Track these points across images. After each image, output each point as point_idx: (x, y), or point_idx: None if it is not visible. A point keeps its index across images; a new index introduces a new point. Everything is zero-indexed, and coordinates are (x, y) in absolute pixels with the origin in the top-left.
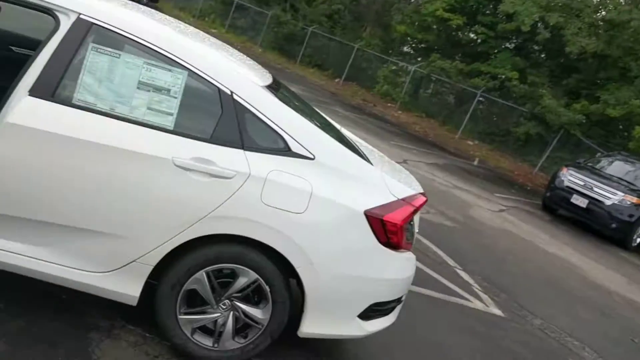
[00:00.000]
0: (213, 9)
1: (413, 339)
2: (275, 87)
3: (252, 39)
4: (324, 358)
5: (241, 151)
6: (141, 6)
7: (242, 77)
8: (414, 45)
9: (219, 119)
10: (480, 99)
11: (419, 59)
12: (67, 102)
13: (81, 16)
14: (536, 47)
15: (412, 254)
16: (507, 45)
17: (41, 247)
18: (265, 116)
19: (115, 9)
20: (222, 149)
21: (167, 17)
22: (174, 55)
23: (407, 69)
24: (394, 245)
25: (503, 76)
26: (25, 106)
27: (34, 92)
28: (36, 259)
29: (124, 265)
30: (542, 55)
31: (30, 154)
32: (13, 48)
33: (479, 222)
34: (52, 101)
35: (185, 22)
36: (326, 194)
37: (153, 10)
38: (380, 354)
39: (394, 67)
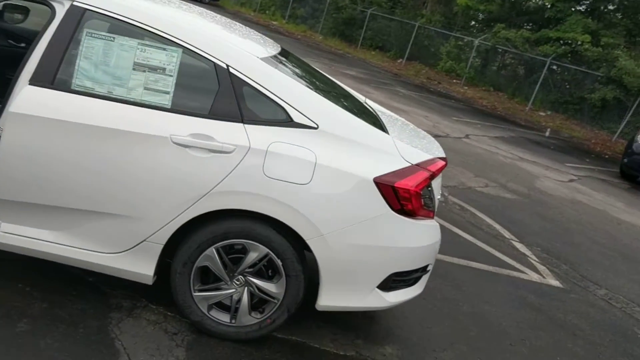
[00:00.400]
0: (272, 2)
1: (457, 313)
2: (279, 59)
3: (312, 27)
4: (355, 332)
5: (240, 125)
6: None
7: (239, 50)
8: (476, 17)
9: (216, 94)
10: (553, 67)
11: (483, 32)
12: (66, 89)
13: (74, 3)
14: (611, 7)
15: (434, 221)
16: (578, 8)
17: (55, 230)
18: (265, 88)
19: None
20: (221, 123)
21: None
22: (167, 34)
23: (471, 43)
24: (409, 213)
25: (574, 41)
26: (26, 95)
27: (34, 81)
28: (52, 242)
29: (135, 245)
30: (618, 15)
31: (35, 141)
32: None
33: (544, 194)
34: (51, 88)
35: (246, 15)
36: (332, 163)
37: None
38: (418, 328)
39: (457, 43)
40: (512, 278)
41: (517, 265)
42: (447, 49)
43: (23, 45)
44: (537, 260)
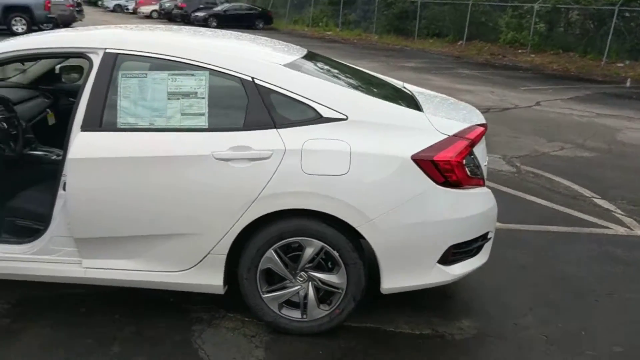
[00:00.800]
0: (324, 13)
1: (535, 278)
2: (303, 61)
3: (366, 29)
4: (429, 311)
5: (274, 130)
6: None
7: (261, 61)
8: None
9: (247, 107)
10: (624, 14)
11: None
12: (113, 128)
13: (106, 50)
14: None
15: (484, 188)
16: None
17: (130, 258)
18: (290, 91)
19: (133, 36)
20: (256, 132)
21: (184, 27)
22: (191, 60)
23: (530, 9)
24: (454, 184)
25: None
26: (79, 141)
27: (85, 127)
28: (129, 270)
29: (202, 260)
30: None
31: (95, 180)
32: None
33: (627, 145)
34: (100, 131)
35: (300, 32)
36: (366, 149)
37: (177, 26)
38: (495, 299)
39: (515, 12)
40: (594, 235)
41: (600, 222)
42: (505, 20)
43: None
44: (622, 213)
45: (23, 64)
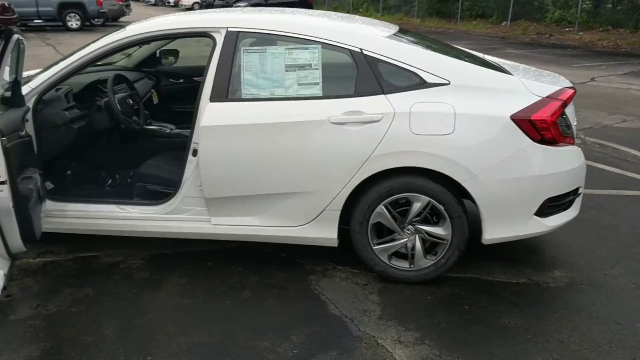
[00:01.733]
0: None
1: (617, 236)
2: (400, 35)
3: (407, 13)
4: (522, 263)
5: (382, 96)
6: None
7: (366, 34)
8: None
9: (357, 75)
10: None
11: None
12: (238, 99)
13: (229, 29)
14: None
15: (575, 146)
16: None
17: (254, 215)
18: (396, 60)
19: (250, 16)
20: (366, 98)
21: (288, 9)
22: (305, 35)
23: None
24: (550, 141)
25: None
26: (209, 111)
27: (213, 98)
28: (253, 226)
29: (318, 215)
30: None
31: (224, 145)
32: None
33: None
34: (227, 101)
35: None
36: (469, 111)
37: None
38: (582, 253)
39: None
40: None
41: None
42: None
43: (181, 81)
44: None
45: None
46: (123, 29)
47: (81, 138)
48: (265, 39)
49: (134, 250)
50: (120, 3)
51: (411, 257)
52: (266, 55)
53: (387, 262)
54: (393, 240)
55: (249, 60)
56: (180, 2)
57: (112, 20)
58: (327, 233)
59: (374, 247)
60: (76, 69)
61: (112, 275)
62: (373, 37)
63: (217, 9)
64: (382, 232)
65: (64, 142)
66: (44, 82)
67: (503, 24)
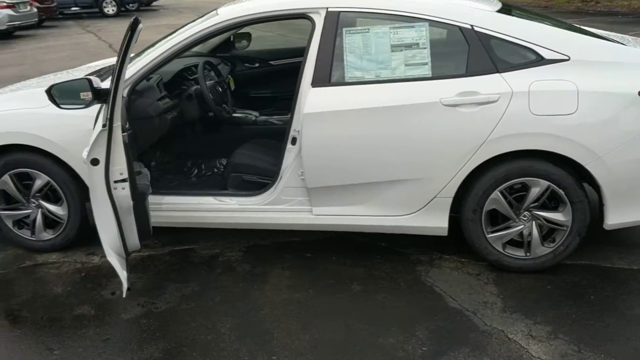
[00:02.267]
0: None
1: None
2: (507, 9)
3: None
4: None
5: (497, 75)
6: None
7: (475, 10)
8: None
9: (468, 53)
10: None
11: None
12: (342, 83)
13: (329, 9)
14: None
15: None
16: None
17: (357, 205)
18: (510, 36)
19: None
20: (480, 78)
21: None
22: (411, 13)
23: None
24: None
25: None
26: (313, 97)
27: (315, 83)
28: (356, 215)
29: (428, 203)
30: None
31: (329, 132)
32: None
33: None
34: (330, 86)
35: None
36: (593, 88)
37: None
38: None
39: None
40: None
41: None
42: None
43: (257, 65)
44: None
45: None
46: (215, 14)
47: (171, 128)
48: (368, 19)
49: (229, 242)
50: None
51: (527, 245)
52: (370, 35)
53: (501, 250)
54: (508, 227)
55: (351, 42)
56: None
57: (146, 4)
58: (437, 222)
59: (488, 236)
60: (169, 57)
61: (214, 269)
62: (484, 12)
63: None
64: (496, 219)
65: (158, 134)
66: (136, 72)
67: None
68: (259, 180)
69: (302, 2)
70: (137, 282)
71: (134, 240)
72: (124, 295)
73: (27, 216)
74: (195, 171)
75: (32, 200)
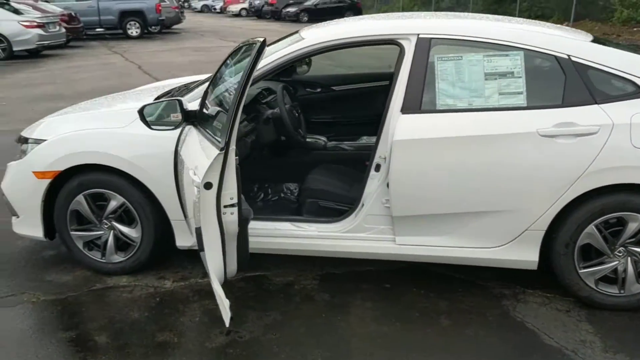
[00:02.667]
0: (414, 2)
1: None
2: (599, 40)
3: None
4: None
5: (595, 106)
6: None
7: (570, 39)
8: None
9: (564, 84)
10: None
11: None
12: (433, 110)
13: (420, 36)
14: None
15: None
16: None
17: (443, 235)
18: (607, 66)
19: (442, 21)
20: (578, 109)
21: (476, 14)
22: (505, 41)
23: None
24: None
25: None
26: (403, 124)
27: (405, 110)
28: (441, 246)
29: (518, 236)
30: None
31: (420, 160)
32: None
33: None
34: (420, 113)
35: None
36: None
37: (462, 13)
38: None
39: None
40: None
41: None
42: None
43: (318, 90)
44: None
45: None
46: (300, 38)
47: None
48: (460, 46)
49: (302, 270)
50: (176, 10)
51: (622, 282)
52: (463, 63)
53: (593, 286)
54: (602, 263)
55: (444, 69)
56: (227, 8)
57: (167, 27)
58: (527, 255)
59: (580, 271)
60: (254, 80)
61: (292, 297)
62: (580, 42)
63: (394, 14)
64: (588, 253)
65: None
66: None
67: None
68: (335, 206)
69: (392, 28)
70: (215, 308)
71: (233, 266)
72: (227, 325)
73: (98, 237)
74: (262, 195)
75: (104, 221)
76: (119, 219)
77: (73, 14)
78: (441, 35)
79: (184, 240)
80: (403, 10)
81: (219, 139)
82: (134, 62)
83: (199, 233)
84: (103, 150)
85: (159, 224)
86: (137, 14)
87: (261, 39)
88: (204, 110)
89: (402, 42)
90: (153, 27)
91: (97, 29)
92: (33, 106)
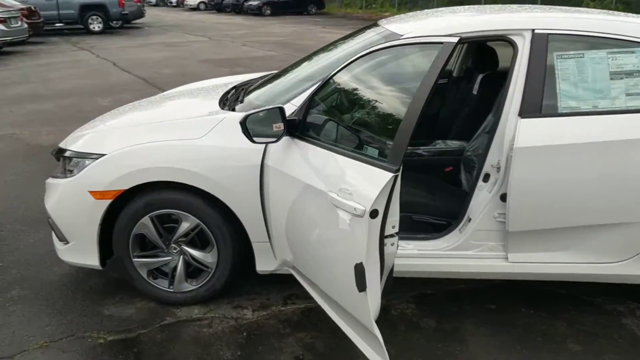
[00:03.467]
0: None
1: None
2: None
3: (425, 8)
4: None
5: None
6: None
7: None
8: None
9: None
10: None
11: None
12: (555, 113)
13: (536, 31)
14: None
15: None
16: None
17: (561, 251)
18: None
19: (558, 15)
20: None
21: (590, 9)
22: (631, 37)
23: None
24: None
25: None
26: (526, 129)
27: (524, 113)
28: (558, 263)
29: None
30: None
31: (544, 169)
32: None
33: None
34: (541, 117)
35: (355, 15)
36: None
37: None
38: None
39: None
40: None
41: None
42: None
43: None
44: None
45: None
46: (395, 34)
47: None
48: (580, 42)
49: (391, 292)
50: (139, 4)
51: None
52: (585, 60)
53: None
54: None
55: (564, 68)
56: (184, 2)
57: (127, 22)
58: None
59: None
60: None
61: (395, 326)
62: None
63: (503, 6)
64: None
65: None
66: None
67: None
68: (430, 220)
69: (502, 23)
70: (314, 341)
71: (378, 304)
72: None
73: (165, 264)
74: None
75: (172, 245)
76: (190, 242)
77: (33, 7)
78: (559, 30)
79: (265, 264)
80: (366, 1)
81: (384, 159)
82: (107, 59)
83: (360, 270)
84: (178, 165)
85: (238, 247)
86: (99, 8)
87: (454, 40)
88: (313, 121)
89: (515, 38)
90: (115, 21)
91: (57, 24)
92: (12, 108)
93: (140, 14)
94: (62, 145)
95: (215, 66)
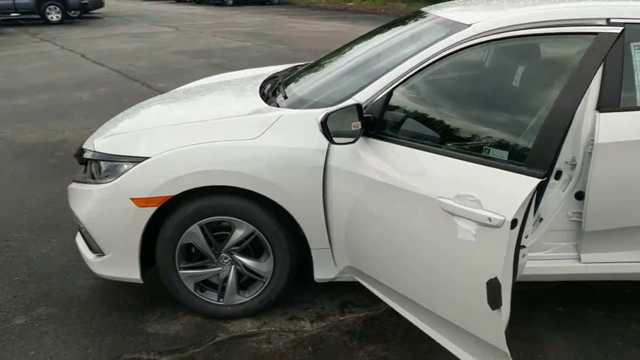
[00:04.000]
0: None
1: None
2: None
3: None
4: None
5: None
6: None
7: None
8: None
9: None
10: None
11: None
12: (635, 107)
13: (611, 20)
14: None
15: None
16: None
17: (634, 250)
18: None
19: (634, 4)
20: None
21: None
22: None
23: None
24: None
25: None
26: (605, 124)
27: (602, 107)
28: (631, 262)
29: None
30: None
31: (626, 166)
32: None
33: None
34: (621, 111)
35: (319, 5)
36: None
37: None
38: None
39: None
40: None
41: None
42: None
43: None
44: None
45: None
46: (462, 25)
47: None
48: None
49: None
50: None
51: None
52: None
53: None
54: None
55: None
56: None
57: (85, 12)
58: None
59: None
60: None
61: None
62: None
63: None
64: None
65: None
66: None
67: None
68: None
69: (576, 12)
70: (387, 354)
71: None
72: None
73: (215, 275)
74: None
75: (223, 255)
76: (243, 251)
77: None
78: (635, 19)
79: (324, 272)
80: None
81: (520, 163)
82: (74, 51)
83: (496, 286)
84: (234, 168)
85: (295, 255)
86: None
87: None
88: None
89: (589, 29)
90: (73, 11)
91: (12, 14)
92: None
93: (100, 4)
94: (86, 146)
95: (190, 57)
